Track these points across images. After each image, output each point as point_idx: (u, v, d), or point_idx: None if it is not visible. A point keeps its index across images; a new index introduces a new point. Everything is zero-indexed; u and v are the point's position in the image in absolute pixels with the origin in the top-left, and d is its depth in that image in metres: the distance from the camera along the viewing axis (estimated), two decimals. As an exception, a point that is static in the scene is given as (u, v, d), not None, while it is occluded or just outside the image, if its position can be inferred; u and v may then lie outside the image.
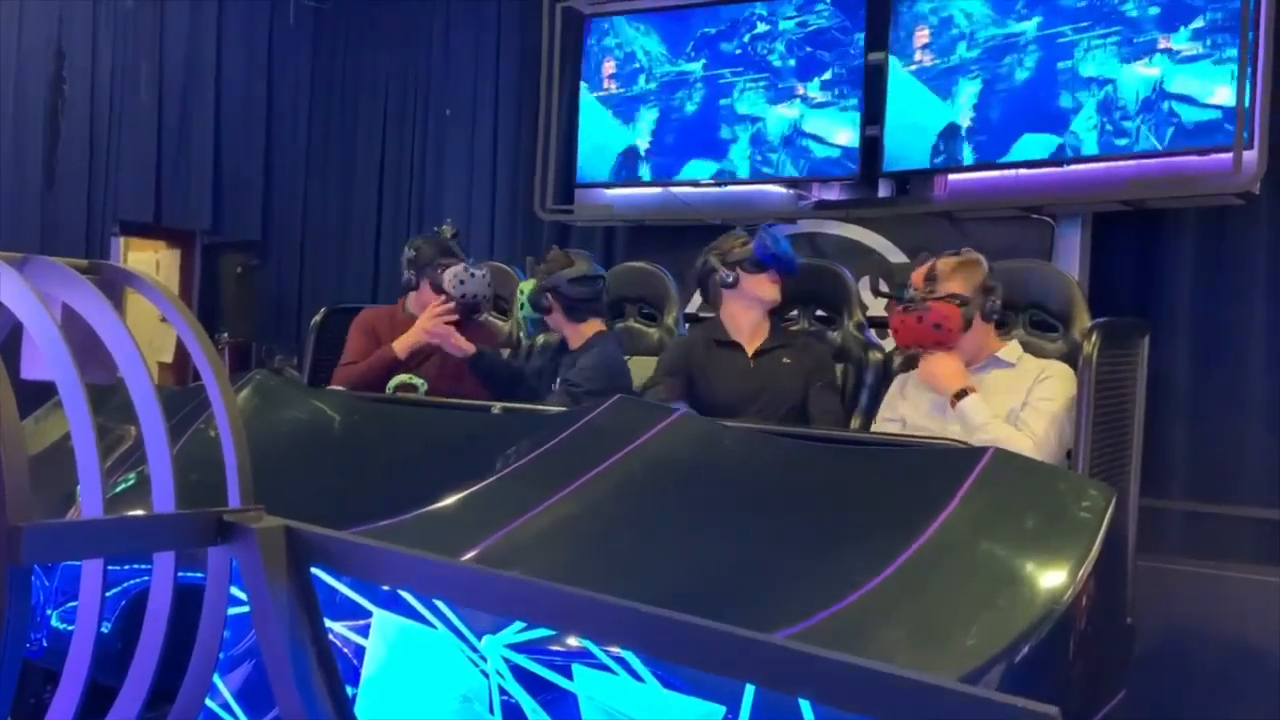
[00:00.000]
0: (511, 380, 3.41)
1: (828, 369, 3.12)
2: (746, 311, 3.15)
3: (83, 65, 5.93)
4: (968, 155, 4.31)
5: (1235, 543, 3.99)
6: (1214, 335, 4.13)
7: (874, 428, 2.92)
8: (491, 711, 1.58)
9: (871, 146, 4.53)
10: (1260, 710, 3.39)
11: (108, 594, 1.89)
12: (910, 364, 3.08)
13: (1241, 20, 3.65)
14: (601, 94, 5.32)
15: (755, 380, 3.07)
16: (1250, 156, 3.67)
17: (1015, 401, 2.69)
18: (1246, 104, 3.64)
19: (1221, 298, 4.13)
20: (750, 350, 3.13)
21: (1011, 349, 2.83)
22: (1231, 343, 4.10)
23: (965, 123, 4.29)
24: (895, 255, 4.48)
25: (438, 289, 3.43)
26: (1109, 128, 3.97)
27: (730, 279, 3.13)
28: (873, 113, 4.52)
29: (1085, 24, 4.04)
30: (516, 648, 1.56)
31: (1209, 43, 3.77)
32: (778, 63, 4.83)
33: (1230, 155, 3.66)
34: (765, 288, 3.12)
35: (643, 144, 5.18)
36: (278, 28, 6.75)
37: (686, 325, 3.72)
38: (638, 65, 5.21)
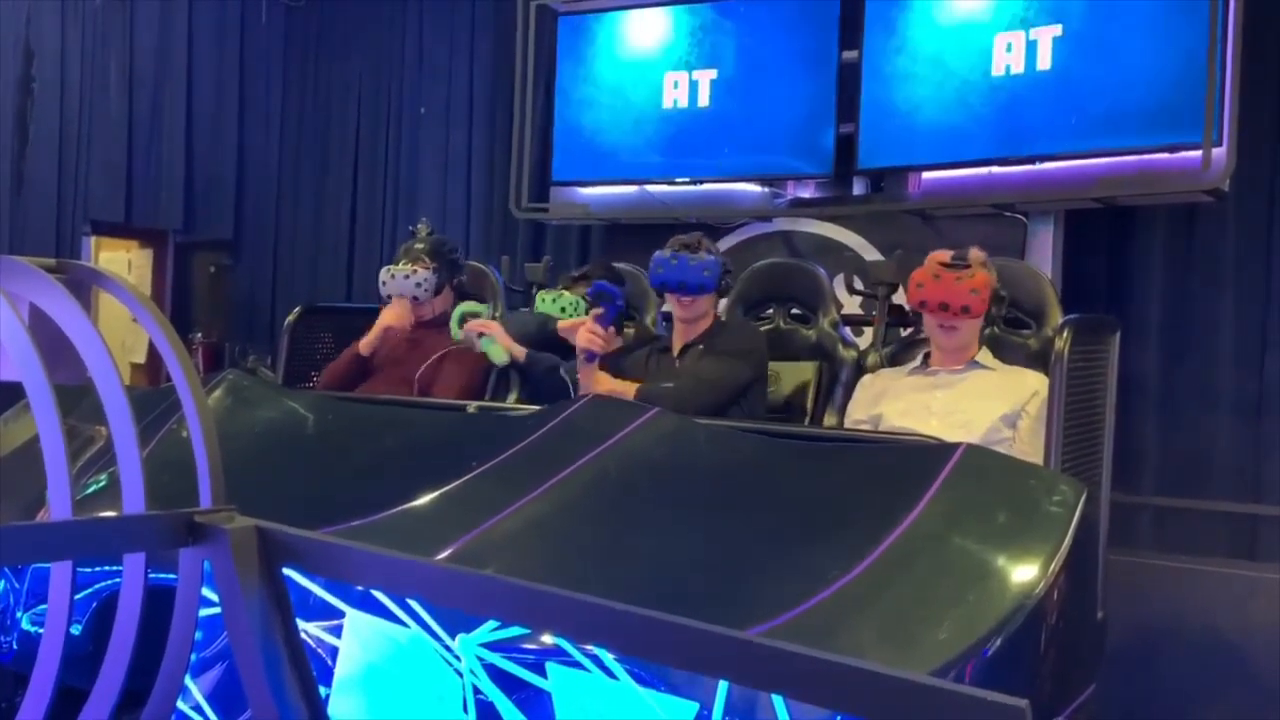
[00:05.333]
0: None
1: (725, 345, 3.05)
2: (677, 320, 3.19)
3: (52, 64, 5.88)
4: (941, 153, 4.33)
5: (1205, 537, 4.03)
6: (1184, 332, 4.17)
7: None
8: (466, 710, 1.58)
9: (846, 144, 4.54)
10: (1230, 702, 3.42)
11: (78, 596, 1.88)
12: (881, 363, 3.11)
13: (1210, 17, 3.68)
14: (575, 91, 5.31)
15: (673, 379, 3.05)
16: (1219, 154, 3.70)
17: (1006, 407, 2.74)
18: (1215, 101, 3.68)
19: (1192, 294, 4.17)
20: (675, 350, 3.16)
21: (985, 354, 2.91)
22: (1202, 339, 4.14)
23: (938, 120, 4.31)
24: (870, 253, 4.50)
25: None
26: (1079, 125, 4.00)
27: (655, 285, 3.20)
28: (847, 111, 4.54)
29: (1054, 22, 4.07)
30: (490, 646, 1.56)
31: (1177, 40, 3.80)
32: (752, 60, 4.84)
33: (1200, 153, 3.69)
34: (673, 305, 3.16)
35: (618, 141, 5.18)
36: (250, 25, 6.71)
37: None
38: (611, 62, 5.21)
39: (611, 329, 3.26)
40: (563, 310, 3.30)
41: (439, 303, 3.59)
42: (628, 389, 3.00)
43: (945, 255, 2.89)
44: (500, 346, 3.25)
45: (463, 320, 3.37)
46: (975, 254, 2.88)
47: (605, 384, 2.99)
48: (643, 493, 2.14)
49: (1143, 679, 3.35)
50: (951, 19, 4.31)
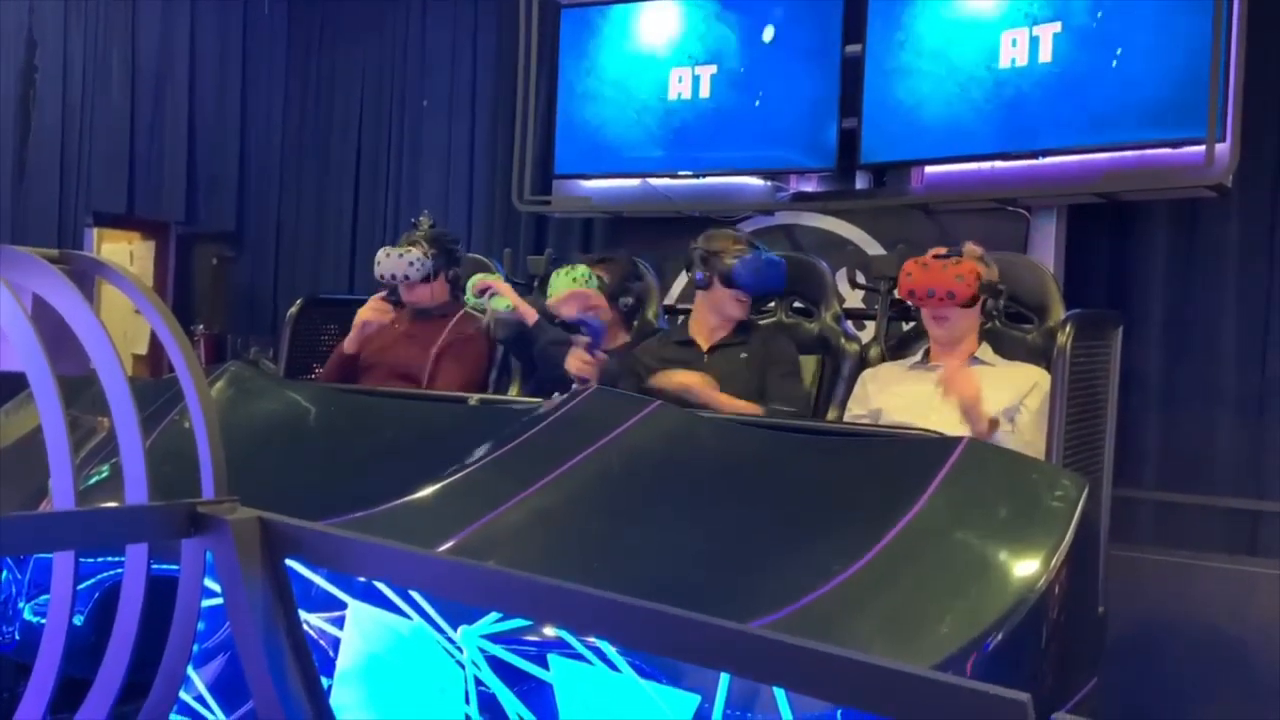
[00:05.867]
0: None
1: (786, 358, 3.06)
2: (709, 314, 3.15)
3: (54, 54, 5.87)
4: (944, 147, 4.32)
5: (1206, 532, 4.03)
6: (1186, 327, 4.17)
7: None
8: (467, 702, 1.58)
9: (849, 139, 4.54)
10: (1230, 696, 3.43)
11: (81, 586, 1.88)
12: (882, 357, 3.11)
13: (1214, 12, 3.67)
14: (579, 84, 5.30)
15: (707, 376, 3.03)
16: (1222, 149, 3.69)
17: (1007, 400, 2.74)
18: (1219, 97, 3.67)
19: (1194, 290, 4.17)
20: (705, 347, 3.12)
21: (985, 350, 2.90)
22: (1203, 334, 4.14)
23: (941, 115, 4.31)
24: (872, 247, 4.49)
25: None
26: (1082, 120, 3.99)
27: (703, 279, 3.12)
28: (850, 105, 4.53)
29: (1058, 17, 4.06)
30: (492, 638, 1.56)
31: (1181, 35, 3.79)
32: (755, 54, 4.83)
33: (1203, 148, 3.69)
34: (730, 305, 3.10)
35: (620, 135, 5.17)
36: (252, 15, 6.70)
37: (666, 317, 3.72)
38: (614, 55, 5.20)
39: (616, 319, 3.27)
40: (574, 281, 3.24)
41: (436, 291, 3.58)
42: (747, 409, 2.93)
43: (941, 250, 2.90)
44: (506, 298, 3.21)
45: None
46: (970, 248, 2.89)
47: (728, 403, 2.91)
48: (645, 486, 2.14)
49: (1143, 673, 3.35)
50: (955, 14, 4.30)
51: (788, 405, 2.95)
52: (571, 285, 3.20)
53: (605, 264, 3.41)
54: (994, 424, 2.62)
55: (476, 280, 3.34)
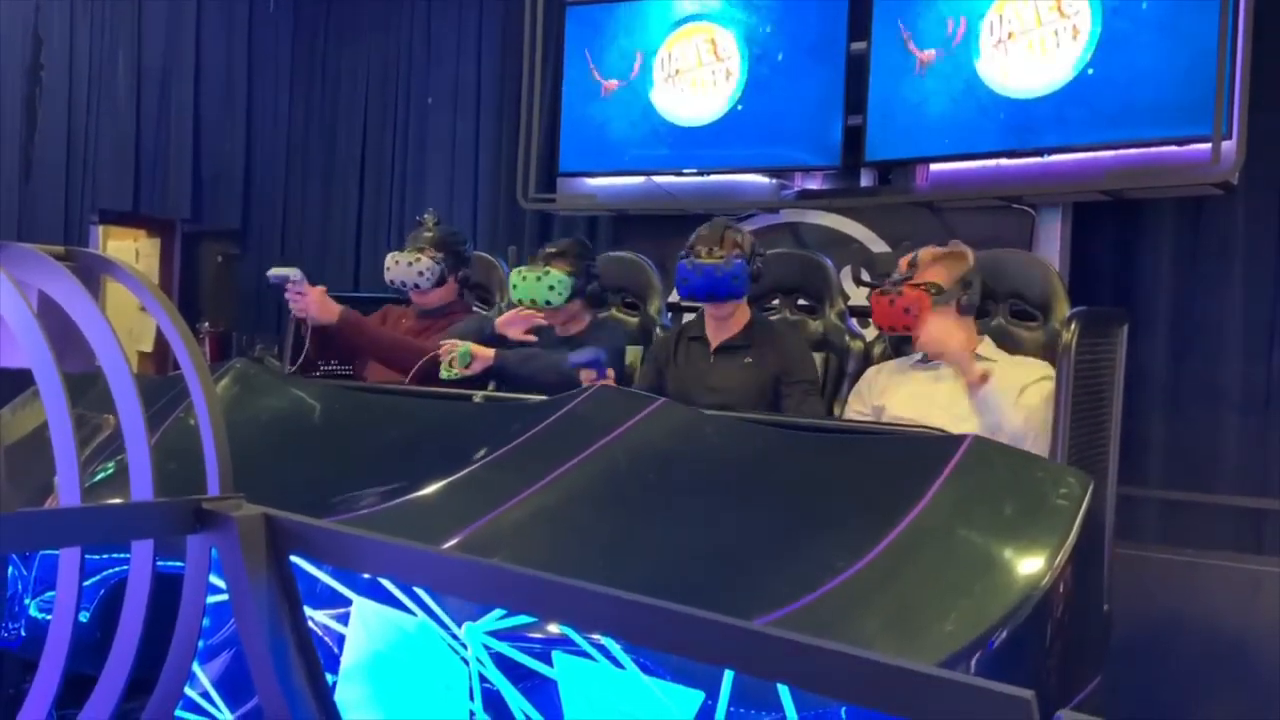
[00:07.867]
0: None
1: (800, 368, 2.99)
2: (708, 315, 3.13)
3: (61, 51, 5.88)
4: (949, 145, 4.31)
5: (1211, 531, 4.03)
6: (1192, 325, 4.17)
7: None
8: (472, 699, 1.58)
9: (854, 136, 4.53)
10: (1235, 695, 3.43)
11: (86, 583, 1.89)
12: (886, 354, 3.10)
13: (1220, 9, 3.66)
14: (583, 82, 5.30)
15: (710, 379, 3.02)
16: (1229, 147, 3.68)
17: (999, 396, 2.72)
18: (1225, 94, 3.66)
19: (1200, 287, 4.16)
20: (712, 346, 3.09)
21: (986, 346, 2.86)
22: (1209, 332, 4.13)
23: (947, 112, 4.30)
24: (877, 245, 4.49)
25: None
26: (1088, 117, 3.98)
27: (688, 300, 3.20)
28: (855, 102, 4.53)
29: (1063, 14, 4.05)
30: (497, 635, 1.56)
31: (1188, 32, 3.78)
32: (760, 51, 4.83)
33: (1209, 146, 3.68)
34: (705, 306, 3.11)
35: (625, 132, 5.17)
36: (258, 13, 6.71)
37: (669, 315, 3.72)
38: (619, 53, 5.20)
39: (580, 303, 3.33)
40: (551, 289, 3.21)
41: (444, 293, 3.60)
42: None
43: (904, 267, 2.86)
44: (469, 350, 3.16)
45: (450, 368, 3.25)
46: (924, 254, 2.86)
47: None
48: (650, 483, 2.14)
49: (1148, 672, 3.34)
50: (959, 9, 4.29)
51: (714, 381, 2.97)
52: (548, 293, 3.20)
53: (561, 258, 3.32)
54: (985, 376, 2.67)
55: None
